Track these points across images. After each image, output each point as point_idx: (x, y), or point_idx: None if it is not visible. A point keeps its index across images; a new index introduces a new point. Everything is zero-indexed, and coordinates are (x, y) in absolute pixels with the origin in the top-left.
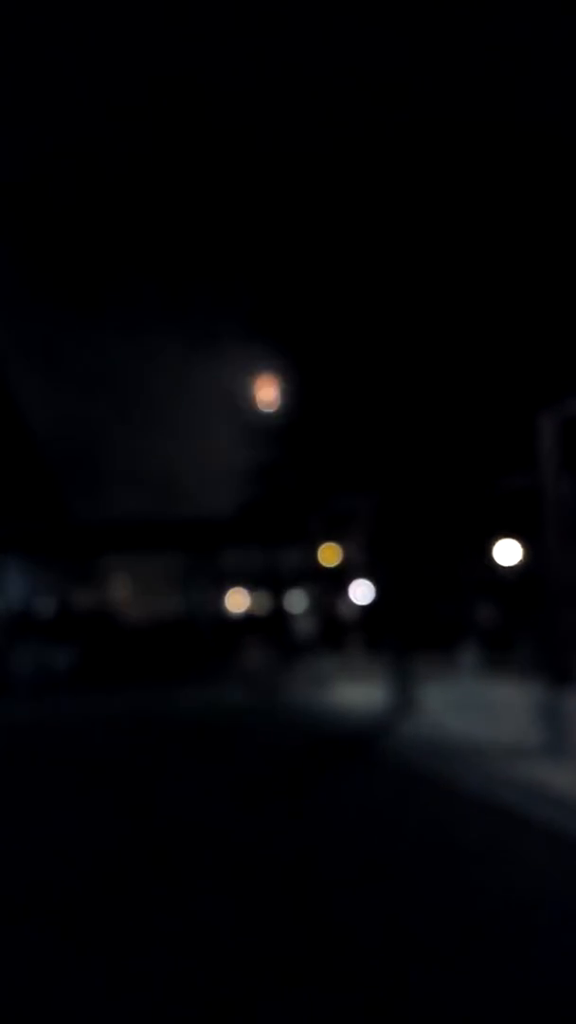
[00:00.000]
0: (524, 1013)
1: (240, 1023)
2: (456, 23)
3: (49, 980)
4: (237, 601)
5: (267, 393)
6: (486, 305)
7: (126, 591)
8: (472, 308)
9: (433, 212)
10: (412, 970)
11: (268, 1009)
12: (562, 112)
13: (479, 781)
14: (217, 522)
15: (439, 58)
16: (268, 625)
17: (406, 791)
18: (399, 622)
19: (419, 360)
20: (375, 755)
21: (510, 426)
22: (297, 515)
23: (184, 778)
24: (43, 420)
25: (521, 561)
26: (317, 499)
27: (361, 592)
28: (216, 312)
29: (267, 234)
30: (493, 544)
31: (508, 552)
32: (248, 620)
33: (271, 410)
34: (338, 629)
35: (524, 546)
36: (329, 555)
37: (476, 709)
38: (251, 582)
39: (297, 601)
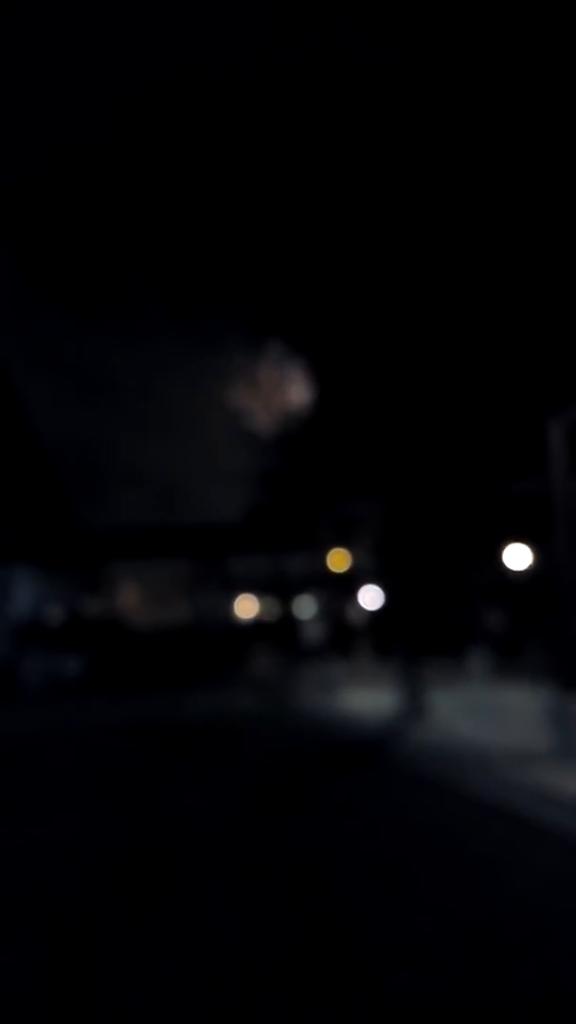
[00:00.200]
0: (532, 1016)
1: None
2: (456, 23)
3: (54, 983)
4: (246, 607)
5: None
6: (494, 312)
7: (134, 598)
8: (481, 315)
9: (442, 219)
10: (419, 976)
11: (274, 1016)
12: (565, 113)
13: (489, 786)
14: (225, 528)
15: (441, 58)
16: (277, 631)
17: (416, 797)
18: (408, 627)
19: (428, 366)
20: (385, 761)
21: (519, 430)
22: (306, 521)
23: (192, 784)
24: (51, 429)
25: (530, 566)
26: (326, 504)
27: (370, 597)
28: (222, 318)
29: (273, 241)
30: (502, 549)
31: (517, 557)
32: (257, 626)
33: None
34: (347, 635)
35: (533, 550)
36: (338, 560)
37: (486, 714)
38: (259, 588)
39: (306, 607)
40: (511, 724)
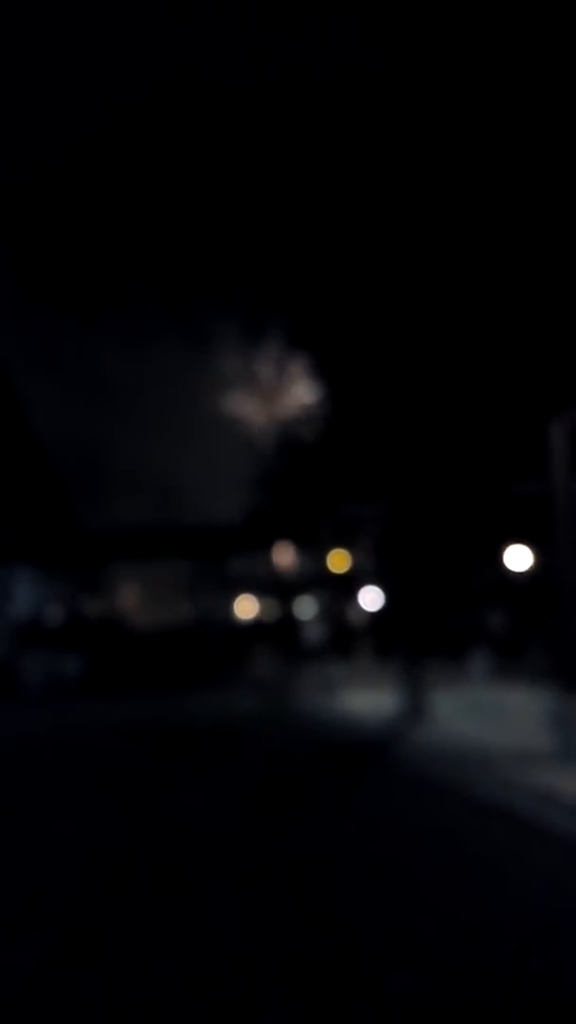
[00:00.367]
0: (535, 1016)
1: None
2: (457, 21)
3: (53, 983)
4: (246, 608)
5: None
6: (496, 314)
7: (134, 599)
8: (483, 317)
9: (444, 222)
10: (419, 977)
11: (274, 1016)
12: (568, 112)
13: (490, 787)
14: (225, 529)
15: (441, 56)
16: (277, 632)
17: (416, 797)
18: (409, 628)
19: (430, 368)
20: (385, 762)
21: (521, 432)
22: (307, 521)
23: (192, 785)
24: (52, 430)
25: (532, 567)
26: (326, 505)
27: (371, 598)
28: (221, 319)
29: (273, 243)
30: (503, 550)
31: (519, 558)
32: (257, 627)
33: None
34: (348, 636)
35: (534, 552)
36: (339, 561)
37: (486, 715)
38: (260, 589)
39: (306, 608)
40: (512, 725)
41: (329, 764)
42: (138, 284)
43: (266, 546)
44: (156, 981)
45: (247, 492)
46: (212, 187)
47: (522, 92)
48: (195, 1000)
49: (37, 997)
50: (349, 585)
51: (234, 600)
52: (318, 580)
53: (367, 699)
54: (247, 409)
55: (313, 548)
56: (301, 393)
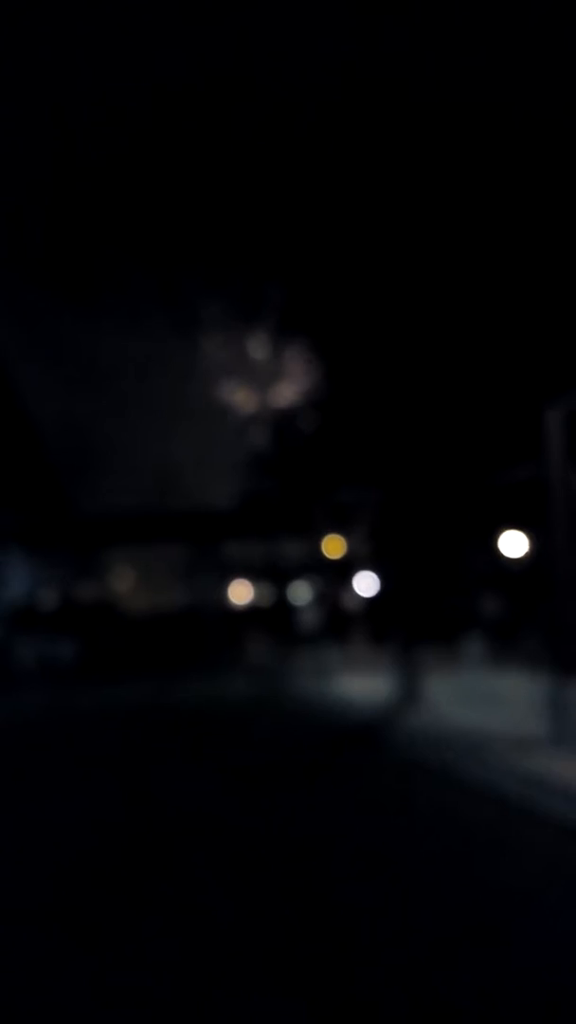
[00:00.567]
0: (527, 1000)
1: (239, 1016)
2: (457, 11)
3: (45, 970)
4: (240, 593)
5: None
6: (492, 298)
7: (128, 583)
8: (478, 301)
9: (437, 207)
10: (415, 961)
11: (266, 1000)
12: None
13: (484, 772)
14: (220, 514)
15: (441, 46)
16: (272, 617)
17: (411, 783)
18: (404, 613)
19: (424, 353)
20: (379, 746)
21: (516, 417)
22: (301, 506)
23: (185, 768)
24: (45, 413)
25: (527, 553)
26: (321, 490)
27: (365, 584)
28: (216, 304)
29: (267, 227)
30: (498, 536)
31: (513, 544)
32: (252, 612)
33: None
34: (342, 621)
35: (529, 537)
36: (333, 547)
37: (481, 701)
38: (254, 574)
39: (301, 593)
40: (506, 710)
41: (323, 748)
42: (131, 267)
43: (260, 531)
44: (149, 965)
45: (242, 477)
46: (205, 166)
47: (521, 77)
48: (188, 984)
49: (27, 982)
50: (344, 570)
51: (228, 585)
52: (313, 565)
53: (361, 684)
54: (239, 397)
55: (308, 534)
56: (295, 379)
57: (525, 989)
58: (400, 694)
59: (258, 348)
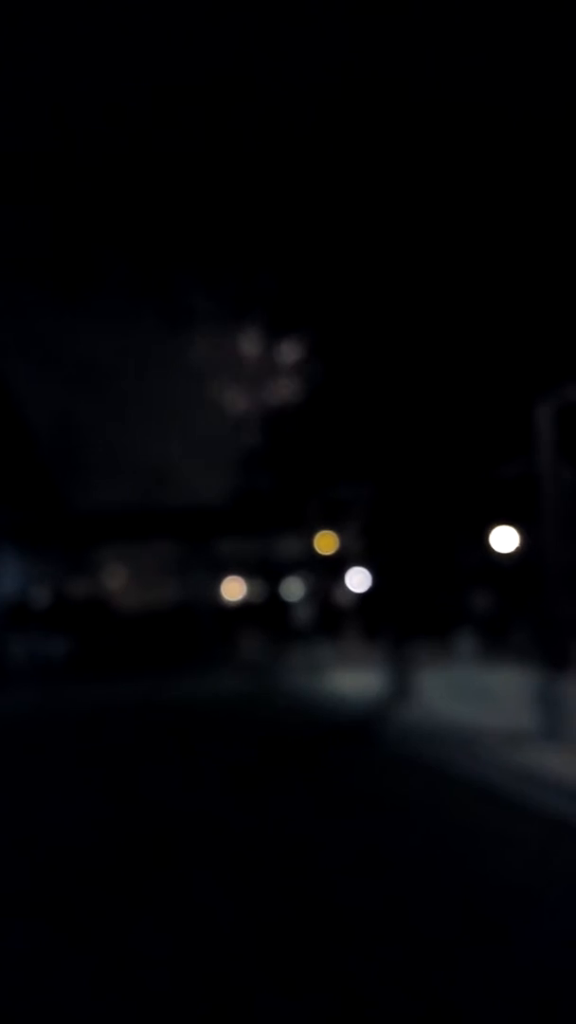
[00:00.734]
0: (520, 992)
1: (238, 1012)
2: (457, 11)
3: (43, 968)
4: (233, 589)
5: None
6: (483, 293)
7: (121, 580)
8: (469, 296)
9: (427, 204)
10: (409, 955)
11: (265, 999)
12: (562, 98)
13: (476, 767)
14: (212, 510)
15: (441, 46)
16: (265, 613)
17: (403, 777)
18: (396, 609)
19: (416, 348)
20: (371, 741)
21: (507, 413)
22: (294, 503)
23: (178, 764)
24: (37, 411)
25: (518, 548)
26: (314, 487)
27: (358, 580)
28: (207, 301)
29: (259, 221)
30: (490, 531)
31: (505, 539)
32: (245, 608)
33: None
34: (335, 616)
35: (521, 533)
36: (326, 543)
37: (473, 696)
38: (247, 570)
39: (294, 589)
40: (497, 705)
41: (316, 744)
42: (121, 263)
43: (253, 528)
44: (146, 962)
45: (234, 473)
46: (205, 166)
47: (517, 74)
48: (188, 983)
49: (24, 981)
50: (336, 566)
51: (221, 581)
52: (305, 561)
53: (354, 679)
54: (229, 397)
55: (301, 530)
56: (288, 375)
57: (520, 984)
58: (392, 689)
59: (251, 344)
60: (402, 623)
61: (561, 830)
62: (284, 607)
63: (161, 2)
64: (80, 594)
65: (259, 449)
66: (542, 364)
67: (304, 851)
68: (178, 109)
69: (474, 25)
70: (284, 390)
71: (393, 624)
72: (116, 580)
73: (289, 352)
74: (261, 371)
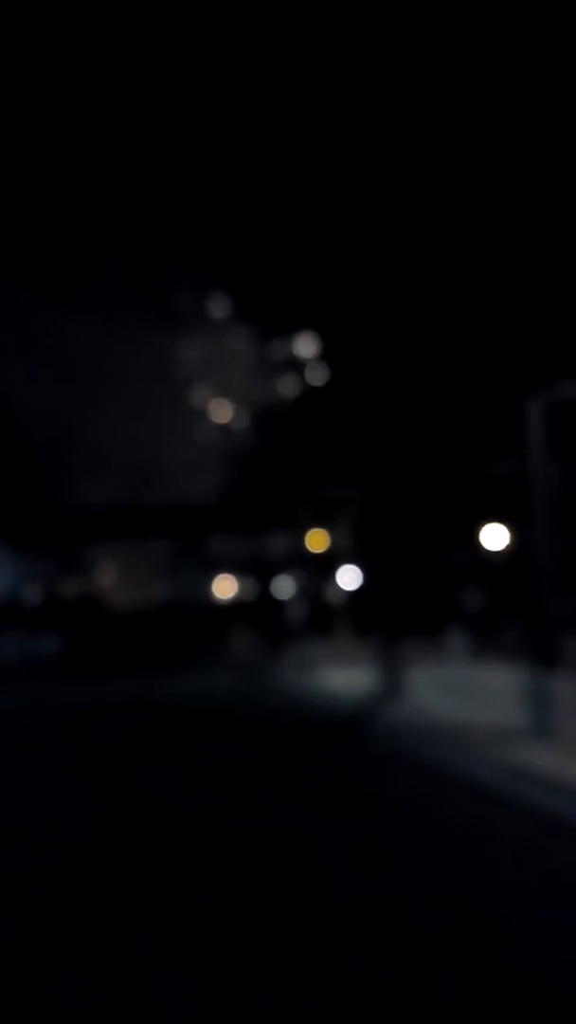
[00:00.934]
0: (512, 989)
1: (237, 1011)
2: (457, 11)
3: (42, 968)
4: (224, 587)
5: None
6: (474, 292)
7: (112, 578)
8: (460, 296)
9: (421, 204)
10: (404, 953)
11: (264, 994)
12: (559, 98)
13: (466, 764)
14: (204, 509)
15: (442, 47)
16: (256, 611)
17: (394, 775)
18: (387, 607)
19: (407, 348)
20: (363, 739)
21: (498, 412)
22: (285, 501)
23: (171, 763)
24: (27, 409)
25: (508, 546)
26: (305, 485)
27: (349, 578)
28: (197, 298)
29: (251, 221)
30: (480, 529)
31: (495, 537)
32: (236, 606)
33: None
34: (326, 614)
35: (511, 531)
36: (317, 541)
37: (463, 693)
38: (238, 568)
39: (285, 587)
40: (487, 702)
41: (307, 741)
42: (110, 260)
43: (244, 526)
44: (143, 961)
45: (225, 472)
46: (203, 165)
47: (517, 74)
48: (185, 980)
49: (24, 981)
50: (327, 564)
51: (212, 579)
52: (296, 559)
53: (345, 677)
54: (213, 406)
55: (292, 528)
56: (280, 375)
57: (513, 981)
58: (383, 687)
59: (243, 345)
60: (393, 621)
61: (551, 827)
62: (275, 605)
63: (161, 2)
64: (71, 592)
65: (250, 448)
66: (532, 362)
67: (297, 849)
68: (178, 109)
69: (474, 25)
70: (276, 389)
71: (384, 622)
72: (107, 578)
73: (281, 352)
74: (253, 371)
